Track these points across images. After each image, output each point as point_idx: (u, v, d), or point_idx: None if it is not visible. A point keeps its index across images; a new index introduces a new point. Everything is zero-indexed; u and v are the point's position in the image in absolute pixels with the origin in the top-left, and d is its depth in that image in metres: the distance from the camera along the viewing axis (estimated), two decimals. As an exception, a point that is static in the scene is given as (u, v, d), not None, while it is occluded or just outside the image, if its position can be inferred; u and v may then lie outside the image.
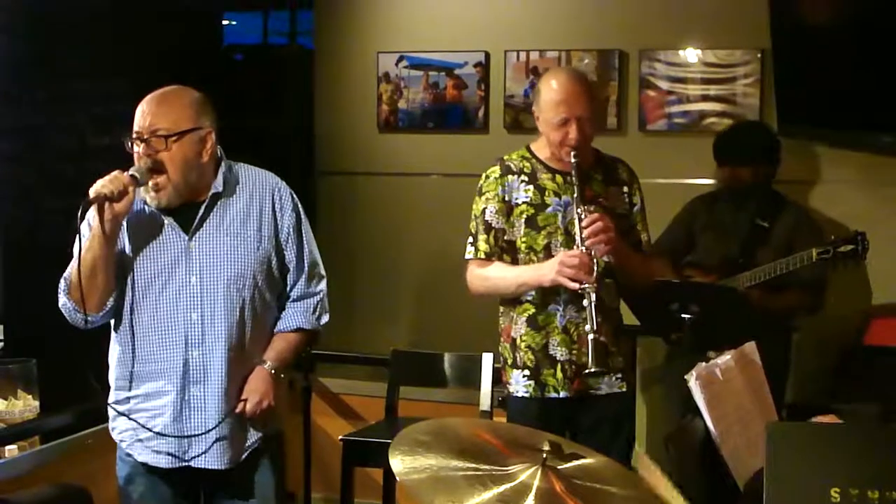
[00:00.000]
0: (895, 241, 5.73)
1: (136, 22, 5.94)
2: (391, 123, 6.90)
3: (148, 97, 3.81)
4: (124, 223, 3.80)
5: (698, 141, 6.02)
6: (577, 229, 4.26)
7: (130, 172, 3.69)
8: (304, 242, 3.99)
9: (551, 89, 4.36)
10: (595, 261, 4.24)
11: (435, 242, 6.28)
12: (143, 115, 3.76)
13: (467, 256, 4.52)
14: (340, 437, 5.44)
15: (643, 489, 2.99)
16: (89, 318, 3.80)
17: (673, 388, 5.60)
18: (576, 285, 4.21)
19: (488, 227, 4.45)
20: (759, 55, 6.19)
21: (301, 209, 4.01)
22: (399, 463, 2.81)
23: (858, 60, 5.64)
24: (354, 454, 5.32)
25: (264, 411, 3.89)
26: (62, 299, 3.84)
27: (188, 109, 3.79)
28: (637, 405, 5.96)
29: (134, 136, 3.76)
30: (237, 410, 3.86)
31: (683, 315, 4.43)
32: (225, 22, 7.35)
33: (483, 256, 4.45)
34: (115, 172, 3.66)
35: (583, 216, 4.25)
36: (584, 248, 4.22)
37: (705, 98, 6.34)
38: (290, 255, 3.96)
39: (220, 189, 3.85)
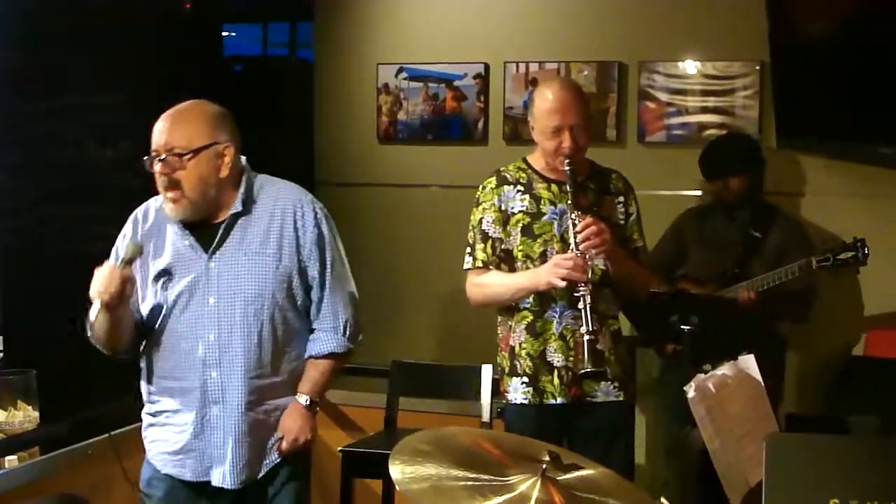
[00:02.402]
0: (894, 252, 5.74)
1: (136, 33, 5.95)
2: (391, 135, 6.92)
3: (165, 114, 3.82)
4: (150, 244, 3.88)
5: (697, 153, 6.03)
6: (571, 234, 4.30)
7: (124, 258, 3.71)
8: (327, 261, 3.95)
9: (545, 99, 4.42)
10: (590, 264, 4.28)
11: (434, 253, 6.29)
12: (159, 133, 3.77)
13: (466, 267, 4.57)
14: (339, 448, 5.44)
15: (641, 499, 3.00)
16: (121, 355, 3.92)
17: (670, 400, 5.63)
18: (563, 283, 4.26)
19: (485, 237, 4.51)
20: (757, 67, 6.20)
21: (325, 224, 3.98)
22: (399, 472, 2.82)
23: (857, 73, 5.66)
24: (354, 465, 5.33)
25: (300, 447, 3.91)
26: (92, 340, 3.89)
27: (204, 126, 3.79)
28: (636, 417, 5.99)
29: (152, 154, 3.76)
30: (276, 449, 3.89)
31: (683, 327, 4.44)
32: (225, 33, 7.36)
33: (480, 265, 4.51)
34: (108, 270, 3.67)
35: (577, 220, 4.30)
36: (578, 251, 4.25)
37: (704, 110, 6.35)
38: (314, 272, 3.93)
39: (240, 209, 3.85)
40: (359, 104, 6.94)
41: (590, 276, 4.28)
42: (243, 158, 3.95)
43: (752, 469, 3.29)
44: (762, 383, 3.73)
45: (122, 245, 3.89)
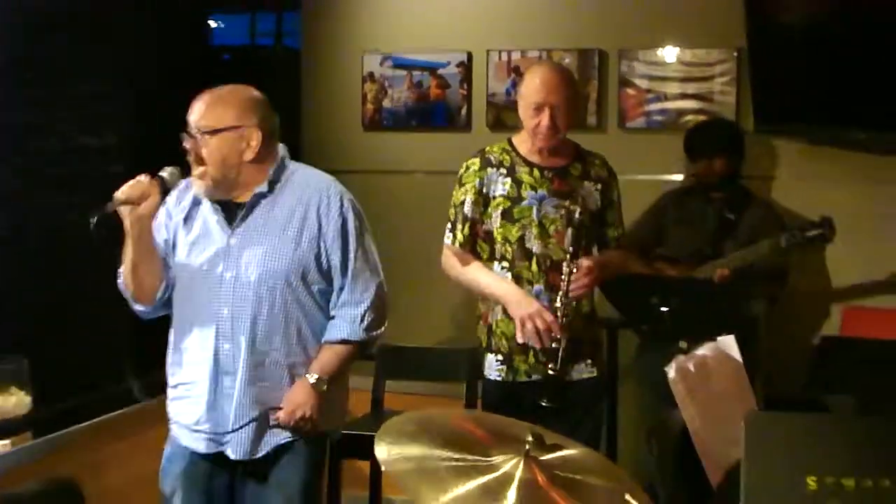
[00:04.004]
0: (869, 234, 5.78)
1: (126, 23, 5.94)
2: (376, 122, 6.90)
3: (202, 93, 3.87)
4: (180, 218, 3.96)
5: (676, 138, 6.04)
6: (565, 280, 4.42)
7: (159, 174, 3.80)
8: (349, 251, 3.94)
9: (533, 78, 4.49)
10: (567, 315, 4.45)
11: (419, 239, 6.22)
12: (192, 110, 3.84)
13: (446, 241, 4.63)
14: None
15: (623, 480, 2.99)
16: (142, 309, 4.00)
17: (644, 377, 5.66)
18: (533, 343, 4.44)
19: (465, 218, 4.58)
20: (735, 54, 6.20)
21: (352, 214, 3.98)
22: (384, 453, 2.80)
23: (832, 58, 5.67)
24: (341, 447, 5.30)
25: (298, 421, 3.88)
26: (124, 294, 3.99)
27: (234, 109, 3.84)
28: (618, 396, 5.99)
29: (186, 129, 3.83)
30: (273, 417, 3.88)
31: (662, 308, 4.45)
32: (213, 24, 7.34)
33: (458, 245, 4.58)
34: (140, 177, 3.76)
35: (573, 270, 4.42)
36: (566, 299, 4.42)
37: (683, 96, 6.35)
38: (335, 261, 3.92)
39: (265, 190, 3.88)
40: (344, 92, 6.93)
41: (563, 324, 4.44)
42: (282, 147, 3.99)
43: (732, 447, 3.28)
44: (742, 363, 3.73)
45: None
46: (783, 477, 2.98)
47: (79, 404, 5.00)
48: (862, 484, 2.89)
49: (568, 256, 4.43)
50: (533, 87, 4.44)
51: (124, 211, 3.76)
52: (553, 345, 4.40)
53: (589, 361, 4.61)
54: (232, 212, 3.89)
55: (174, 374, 4.00)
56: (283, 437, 3.93)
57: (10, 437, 4.68)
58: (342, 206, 3.96)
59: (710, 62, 6.30)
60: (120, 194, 3.73)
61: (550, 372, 4.41)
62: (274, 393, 3.89)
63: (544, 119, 4.41)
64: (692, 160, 5.90)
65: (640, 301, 4.58)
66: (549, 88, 4.43)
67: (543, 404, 4.37)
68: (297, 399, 3.89)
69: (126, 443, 5.04)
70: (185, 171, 3.88)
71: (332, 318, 3.98)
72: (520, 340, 4.42)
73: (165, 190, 3.87)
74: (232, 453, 3.88)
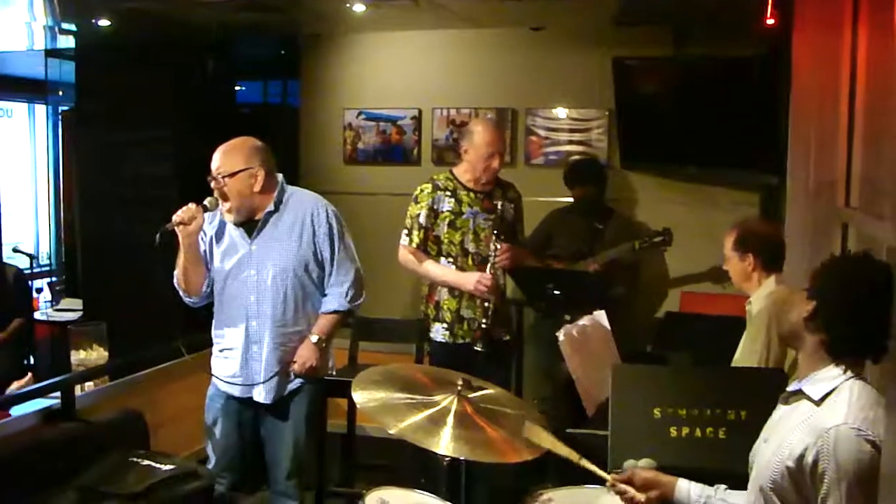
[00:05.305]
0: (696, 239, 5.87)
1: (175, 88, 6.02)
2: (353, 158, 6.89)
3: (219, 147, 3.91)
4: (212, 234, 3.98)
5: (565, 172, 6.09)
6: (492, 258, 4.50)
7: (203, 202, 3.84)
8: (335, 247, 3.99)
9: (483, 133, 4.57)
10: (499, 278, 4.55)
11: (384, 241, 6.20)
12: (213, 160, 3.89)
13: (403, 242, 4.67)
14: (318, 377, 5.44)
15: (526, 410, 3.05)
16: (192, 300, 4.04)
17: (542, 340, 5.72)
18: (482, 295, 4.49)
19: (420, 226, 4.61)
20: (607, 113, 6.26)
21: (335, 220, 4.02)
22: (359, 396, 2.86)
23: (673, 118, 5.77)
24: (327, 389, 5.32)
25: (308, 370, 3.97)
26: (178, 290, 4.03)
27: (241, 155, 3.87)
28: (524, 353, 6.04)
29: (212, 174, 3.88)
30: (289, 369, 3.96)
31: (555, 292, 4.52)
32: (237, 87, 7.33)
33: (413, 247, 4.61)
34: (190, 204, 3.81)
35: (497, 247, 4.49)
36: (494, 270, 4.48)
37: (570, 142, 6.40)
38: (326, 255, 3.98)
39: (272, 209, 3.93)
40: (330, 137, 6.91)
41: (497, 290, 4.53)
42: (280, 176, 4.01)
43: (603, 389, 3.36)
44: (610, 330, 3.81)
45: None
46: (637, 408, 3.07)
47: (142, 357, 5.00)
48: (690, 412, 3.01)
49: (494, 238, 4.50)
50: (486, 141, 4.53)
51: (179, 229, 3.81)
52: (486, 304, 4.49)
53: (504, 329, 4.69)
54: (250, 227, 3.93)
55: (218, 342, 4.04)
56: (296, 382, 4.01)
57: (93, 381, 4.68)
58: (327, 215, 4.01)
59: (590, 118, 6.35)
60: (176, 217, 3.79)
61: (483, 325, 4.50)
62: (290, 352, 3.98)
63: (495, 162, 4.55)
64: (570, 188, 5.96)
65: (539, 286, 4.65)
66: (497, 141, 4.58)
67: (477, 349, 4.46)
68: (305, 354, 3.97)
69: (176, 385, 5.04)
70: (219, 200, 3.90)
71: (325, 295, 4.03)
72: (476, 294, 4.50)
73: (206, 213, 3.90)
74: (262, 399, 3.96)
